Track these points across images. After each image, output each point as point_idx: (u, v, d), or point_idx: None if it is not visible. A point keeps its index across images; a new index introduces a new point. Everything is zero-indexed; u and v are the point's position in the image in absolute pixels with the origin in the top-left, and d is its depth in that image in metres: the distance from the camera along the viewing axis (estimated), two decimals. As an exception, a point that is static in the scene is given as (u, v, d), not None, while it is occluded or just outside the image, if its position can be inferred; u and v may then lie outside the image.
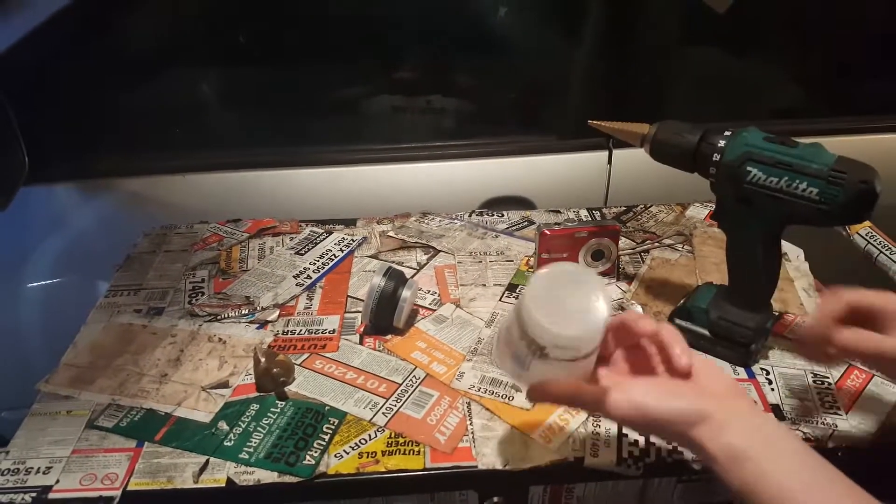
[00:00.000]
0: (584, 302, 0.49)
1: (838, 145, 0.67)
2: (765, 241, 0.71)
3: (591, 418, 0.67)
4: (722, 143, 0.69)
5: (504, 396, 0.71)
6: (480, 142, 1.27)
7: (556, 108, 1.31)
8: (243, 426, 0.68)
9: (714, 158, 0.69)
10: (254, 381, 0.73)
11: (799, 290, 0.89)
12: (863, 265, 0.94)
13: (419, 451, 0.64)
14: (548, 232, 0.87)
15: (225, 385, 0.73)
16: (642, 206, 1.09)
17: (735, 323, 0.74)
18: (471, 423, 0.67)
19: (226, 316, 0.84)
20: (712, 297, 0.77)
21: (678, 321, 0.78)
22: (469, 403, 0.70)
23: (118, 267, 0.95)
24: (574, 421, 0.67)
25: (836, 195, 0.63)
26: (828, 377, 0.73)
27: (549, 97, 1.33)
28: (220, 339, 0.80)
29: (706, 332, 0.76)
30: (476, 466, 0.63)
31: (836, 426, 0.67)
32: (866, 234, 0.95)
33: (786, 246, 0.97)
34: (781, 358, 0.76)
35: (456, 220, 1.06)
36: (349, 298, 0.88)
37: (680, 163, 0.73)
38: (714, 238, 1.00)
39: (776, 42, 1.62)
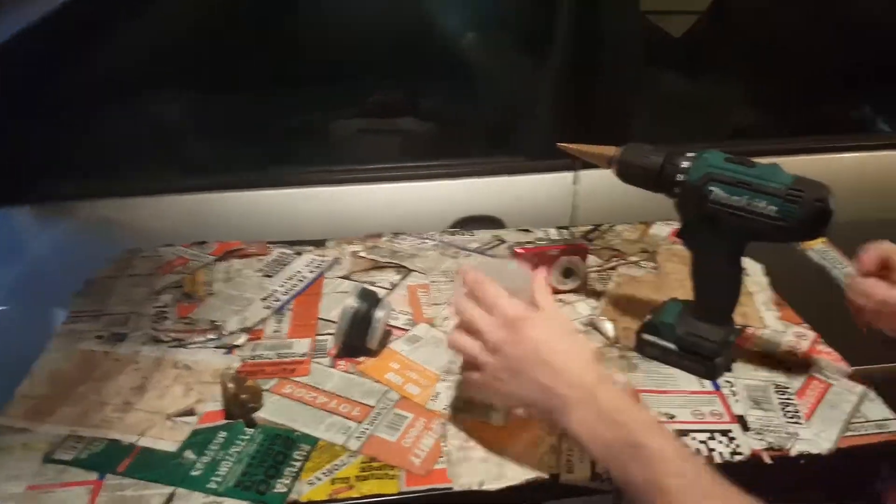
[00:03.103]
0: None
1: (795, 164, 0.69)
2: (727, 258, 0.73)
3: (563, 444, 0.67)
4: (685, 164, 0.71)
5: (479, 416, 0.70)
6: (449, 162, 1.27)
7: (524, 129, 1.32)
8: (211, 455, 0.65)
9: (678, 179, 0.71)
10: (221, 407, 0.71)
11: (758, 305, 0.90)
12: (820, 279, 0.96)
13: (394, 476, 0.62)
14: (519, 251, 0.87)
15: (191, 413, 0.71)
16: (608, 225, 1.10)
17: (701, 337, 0.75)
18: (446, 445, 0.66)
19: (191, 341, 0.82)
20: (678, 312, 0.78)
21: (646, 336, 0.79)
22: (445, 424, 0.69)
23: (76, 293, 0.91)
24: (549, 438, 0.66)
25: (793, 212, 0.66)
26: (788, 387, 0.75)
27: (517, 119, 1.34)
28: (185, 366, 0.77)
29: (674, 347, 0.77)
30: (451, 488, 0.61)
31: (798, 434, 0.68)
32: (819, 251, 0.97)
33: (746, 261, 0.98)
34: (745, 370, 0.78)
35: (428, 240, 1.05)
36: (320, 320, 0.86)
37: (645, 183, 0.75)
38: (678, 255, 1.01)
39: (733, 65, 1.68)
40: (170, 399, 0.73)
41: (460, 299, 0.64)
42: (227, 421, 0.70)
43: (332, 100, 1.40)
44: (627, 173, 0.76)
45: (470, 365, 0.63)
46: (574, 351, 0.60)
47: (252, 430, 0.69)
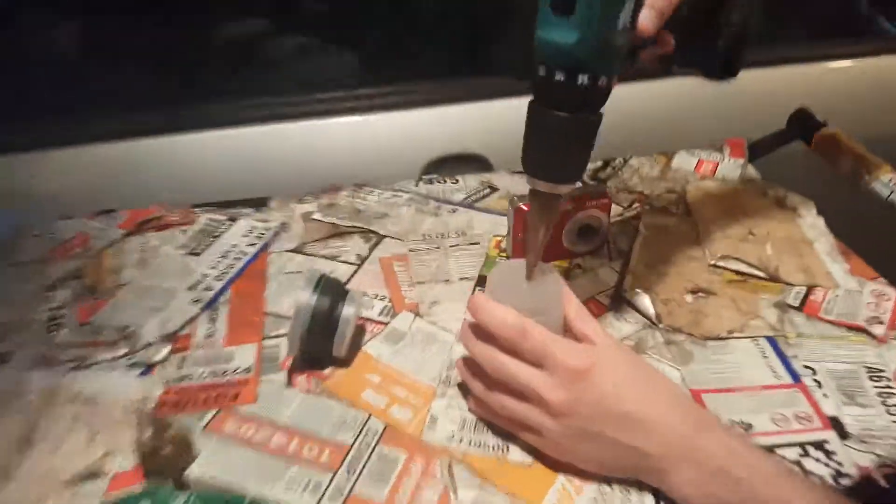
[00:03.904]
0: None
1: None
2: None
3: (614, 482, 0.49)
4: (560, 37, 0.43)
5: (496, 448, 0.51)
6: (416, 88, 1.04)
7: (509, 42, 1.09)
8: (126, 540, 0.46)
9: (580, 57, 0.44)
10: (138, 462, 0.51)
11: (822, 256, 0.72)
12: (886, 216, 0.79)
13: (390, 564, 0.44)
14: (525, 207, 0.67)
15: (97, 474, 0.51)
16: (621, 160, 0.90)
17: None
18: (456, 498, 0.48)
19: (95, 359, 0.60)
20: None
21: None
22: (450, 465, 0.50)
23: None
24: (588, 488, 0.49)
25: None
26: (884, 370, 0.58)
27: (500, 30, 1.10)
28: (86, 399, 0.56)
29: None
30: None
31: None
32: (889, 182, 0.79)
33: (795, 199, 0.81)
34: (823, 349, 0.60)
35: (401, 193, 0.83)
36: (268, 316, 0.65)
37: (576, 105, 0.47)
38: (711, 195, 0.82)
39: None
40: (66, 454, 0.52)
41: (500, 357, 0.49)
42: (146, 482, 0.50)
43: (265, 13, 1.15)
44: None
45: (522, 426, 0.51)
46: (655, 393, 0.49)
47: (182, 493, 0.49)
